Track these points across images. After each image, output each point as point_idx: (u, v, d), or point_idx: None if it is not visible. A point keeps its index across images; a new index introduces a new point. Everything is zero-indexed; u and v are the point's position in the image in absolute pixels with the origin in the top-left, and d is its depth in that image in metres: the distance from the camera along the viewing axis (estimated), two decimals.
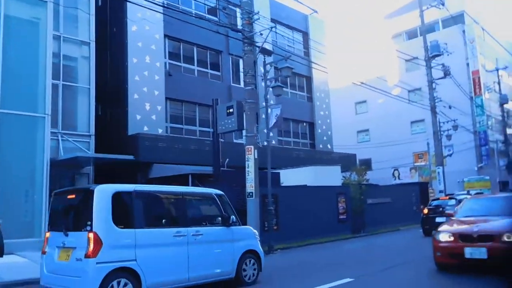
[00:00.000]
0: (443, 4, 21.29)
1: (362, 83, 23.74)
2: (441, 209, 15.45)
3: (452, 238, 7.58)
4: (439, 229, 8.13)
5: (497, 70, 36.95)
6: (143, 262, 6.13)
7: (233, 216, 7.57)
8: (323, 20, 26.49)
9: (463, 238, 7.44)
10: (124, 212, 6.37)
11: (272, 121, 13.55)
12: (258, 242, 8.10)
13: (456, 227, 7.96)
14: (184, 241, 6.75)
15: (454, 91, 26.21)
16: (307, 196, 15.52)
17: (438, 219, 15.11)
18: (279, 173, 15.76)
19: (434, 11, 28.15)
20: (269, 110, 13.59)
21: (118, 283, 5.86)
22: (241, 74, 17.19)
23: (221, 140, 13.93)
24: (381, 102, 38.34)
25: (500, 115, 35.74)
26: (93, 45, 15.23)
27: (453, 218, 8.94)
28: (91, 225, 5.89)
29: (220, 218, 7.44)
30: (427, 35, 23.69)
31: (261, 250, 8.06)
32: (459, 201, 15.58)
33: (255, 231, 8.32)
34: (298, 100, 25.59)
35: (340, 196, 17.08)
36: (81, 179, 14.84)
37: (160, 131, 17.52)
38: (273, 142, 22.49)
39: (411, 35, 41.84)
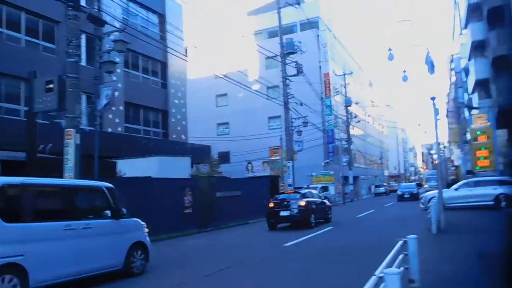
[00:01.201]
0: (298, 4, 21.92)
1: (224, 75, 23.33)
2: (285, 202, 15.56)
3: None
4: None
5: (344, 75, 40.49)
6: (31, 257, 6.05)
7: (124, 209, 7.75)
8: (181, 5, 25.15)
9: None
10: (12, 206, 6.28)
11: (103, 102, 11.81)
12: (146, 233, 8.30)
13: None
14: (74, 234, 6.74)
15: (307, 91, 27.61)
16: (149, 188, 14.16)
17: (282, 213, 15.25)
18: (115, 162, 14.06)
19: (293, 14, 29.38)
20: (101, 90, 11.81)
21: (3, 280, 5.69)
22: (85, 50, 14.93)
23: (45, 122, 11.70)
24: (241, 96, 38.84)
25: (345, 116, 39.22)
26: None
27: None
28: None
29: (110, 211, 7.56)
30: (286, 36, 24.34)
31: (149, 241, 8.31)
32: (303, 195, 16.01)
33: (143, 223, 8.37)
34: (151, 85, 23.93)
35: (187, 189, 16.13)
36: None
37: None
38: (119, 129, 20.53)
39: (272, 34, 43.16)
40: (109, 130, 19.61)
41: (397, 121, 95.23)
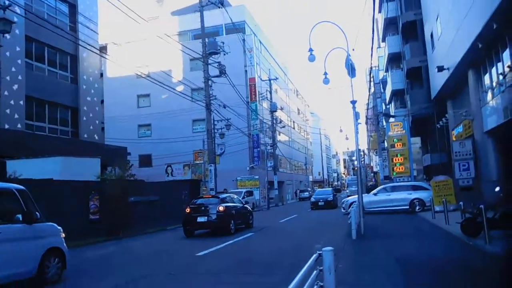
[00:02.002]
0: (222, 4, 21.16)
1: (146, 75, 21.85)
2: (203, 208, 14.61)
3: None
4: None
5: (270, 80, 40.59)
6: None
7: (37, 213, 7.33)
8: None
9: None
10: None
11: None
12: (63, 239, 7.87)
13: None
14: None
15: (233, 95, 26.80)
16: (49, 192, 12.44)
17: (200, 219, 14.26)
18: (5, 162, 12.16)
19: (218, 17, 28.59)
20: None
21: None
22: None
23: None
24: (165, 97, 37.24)
25: (270, 121, 39.20)
26: None
27: None
28: None
29: (21, 215, 7.04)
30: (212, 38, 23.35)
31: (66, 247, 7.86)
32: (222, 200, 15.15)
33: (59, 228, 7.94)
34: (58, 80, 21.71)
35: (94, 193, 14.56)
36: None
37: None
38: (19, 126, 18.24)
39: (197, 36, 42.11)
40: (6, 126, 17.29)
41: (321, 127, 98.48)
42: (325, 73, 12.21)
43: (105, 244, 13.71)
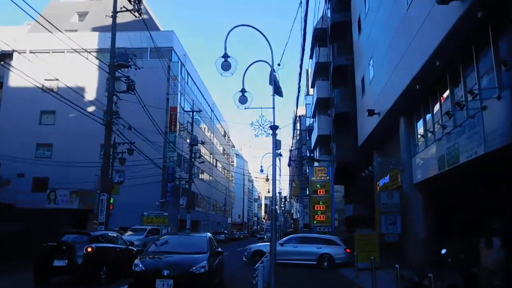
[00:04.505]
0: (138, 11, 18.41)
1: (52, 90, 18.22)
2: (65, 247, 10.85)
3: None
4: None
5: (192, 111, 37.85)
6: None
7: None
8: None
9: None
10: None
11: None
12: None
13: None
14: None
15: (150, 124, 23.44)
16: None
17: (57, 262, 10.49)
18: None
19: (146, 39, 25.74)
20: None
21: None
22: None
23: None
24: (72, 116, 32.74)
25: (188, 154, 36.04)
26: None
27: None
28: None
29: None
30: (123, 48, 20.21)
31: None
32: (94, 238, 11.65)
33: None
34: None
35: None
36: None
37: None
38: None
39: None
40: None
41: (246, 169, 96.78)
42: (243, 90, 9.74)
43: None
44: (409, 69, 12.73)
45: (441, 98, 12.73)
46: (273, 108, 9.54)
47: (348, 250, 17.62)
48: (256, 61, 10.03)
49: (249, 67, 10.13)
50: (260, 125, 9.50)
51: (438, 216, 13.98)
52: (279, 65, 9.84)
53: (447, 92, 12.14)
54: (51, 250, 10.74)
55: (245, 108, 9.67)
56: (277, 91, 9.64)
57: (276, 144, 9.52)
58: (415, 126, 15.55)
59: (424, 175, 14.12)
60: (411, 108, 15.34)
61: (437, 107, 13.16)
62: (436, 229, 13.77)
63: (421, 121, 14.84)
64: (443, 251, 7.39)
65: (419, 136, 15.14)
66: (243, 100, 9.72)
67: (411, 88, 13.18)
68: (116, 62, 18.14)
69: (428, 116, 14.17)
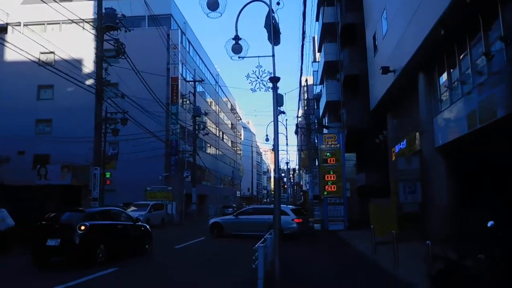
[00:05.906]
0: None
1: (49, 63, 16.76)
2: (58, 226, 10.01)
3: None
4: None
5: (194, 81, 36.12)
6: None
7: None
8: None
9: None
10: None
11: None
12: None
13: None
14: None
15: (153, 94, 21.79)
16: None
17: (50, 242, 9.50)
18: None
19: (142, 7, 23.80)
20: None
21: None
22: None
23: None
24: (70, 90, 31.23)
25: (192, 126, 34.56)
26: None
27: None
28: None
29: None
30: (111, 8, 18.37)
31: None
32: (89, 215, 10.48)
33: None
34: None
35: None
36: None
37: None
38: None
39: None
40: None
41: (254, 141, 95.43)
42: (237, 37, 8.08)
43: None
44: (433, 10, 10.87)
45: (470, 44, 10.91)
46: (273, 56, 7.90)
47: (296, 220, 16.46)
48: (252, 1, 8.29)
49: (243, 8, 8.42)
50: (258, 77, 7.86)
51: (464, 183, 12.39)
52: (278, 4, 8.09)
53: (478, 37, 10.32)
54: (44, 230, 9.88)
55: (238, 58, 8.04)
56: (275, 35, 7.95)
57: (278, 99, 7.91)
58: (437, 82, 13.76)
59: (449, 136, 12.46)
60: (432, 61, 13.54)
61: (465, 55, 11.36)
62: (462, 198, 12.22)
63: (445, 74, 13.05)
64: (490, 223, 5.86)
65: (442, 92, 13.37)
66: (237, 49, 8.09)
67: (434, 35, 11.37)
68: (104, 24, 16.44)
69: (454, 69, 12.38)
